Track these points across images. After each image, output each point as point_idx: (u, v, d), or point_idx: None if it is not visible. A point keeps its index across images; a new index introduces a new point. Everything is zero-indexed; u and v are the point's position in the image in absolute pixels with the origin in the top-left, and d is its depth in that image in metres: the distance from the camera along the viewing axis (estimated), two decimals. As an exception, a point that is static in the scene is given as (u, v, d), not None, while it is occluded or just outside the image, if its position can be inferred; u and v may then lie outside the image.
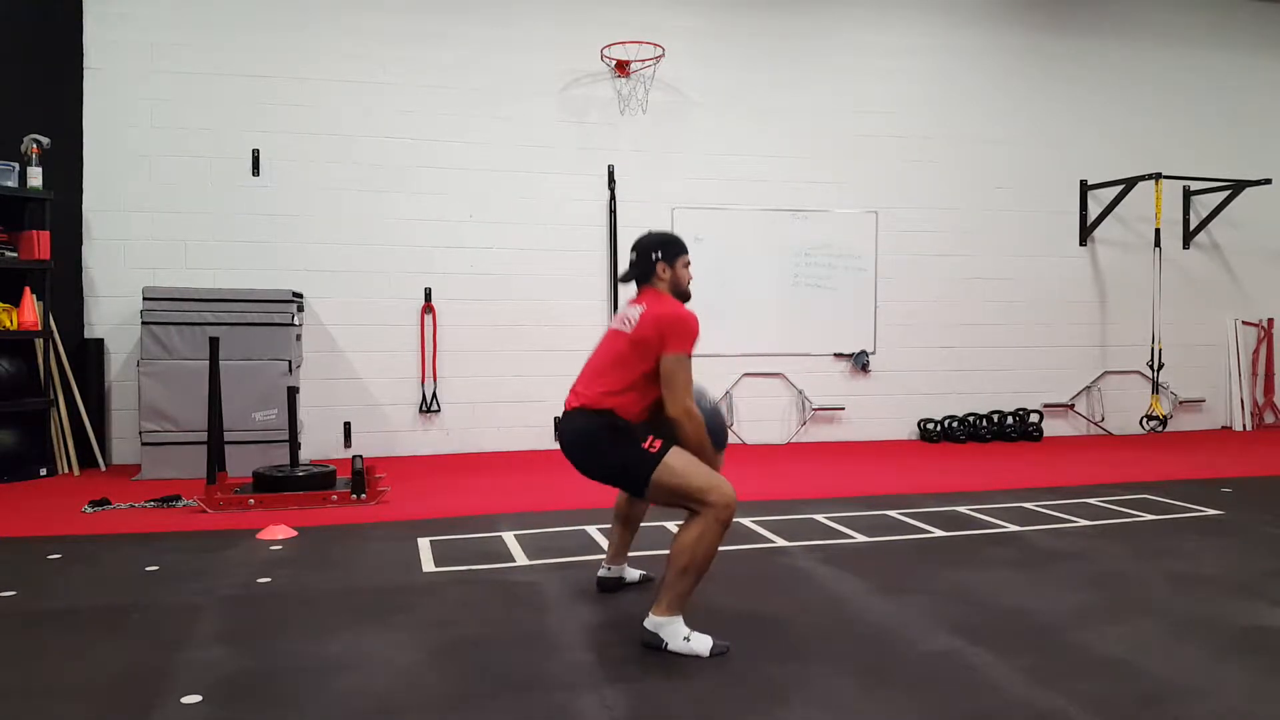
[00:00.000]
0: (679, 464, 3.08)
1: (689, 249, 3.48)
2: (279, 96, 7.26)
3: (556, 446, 8.23)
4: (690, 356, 3.17)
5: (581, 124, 7.87)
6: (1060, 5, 8.95)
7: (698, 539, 3.02)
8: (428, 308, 7.55)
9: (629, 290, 3.51)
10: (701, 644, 3.01)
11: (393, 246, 7.48)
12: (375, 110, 7.44)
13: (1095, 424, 9.05)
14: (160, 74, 7.05)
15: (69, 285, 6.84)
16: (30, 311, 6.39)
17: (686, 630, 3.03)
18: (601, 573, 3.75)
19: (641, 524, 3.81)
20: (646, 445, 3.10)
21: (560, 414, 3.35)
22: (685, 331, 3.16)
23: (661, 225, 7.99)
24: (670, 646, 3.01)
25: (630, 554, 3.84)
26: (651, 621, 3.05)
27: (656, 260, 3.36)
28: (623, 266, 3.52)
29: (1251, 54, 9.43)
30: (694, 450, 3.14)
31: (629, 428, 3.16)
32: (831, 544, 4.51)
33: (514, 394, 7.72)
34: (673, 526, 4.71)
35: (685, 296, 3.41)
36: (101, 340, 6.98)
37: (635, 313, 3.26)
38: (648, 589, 3.72)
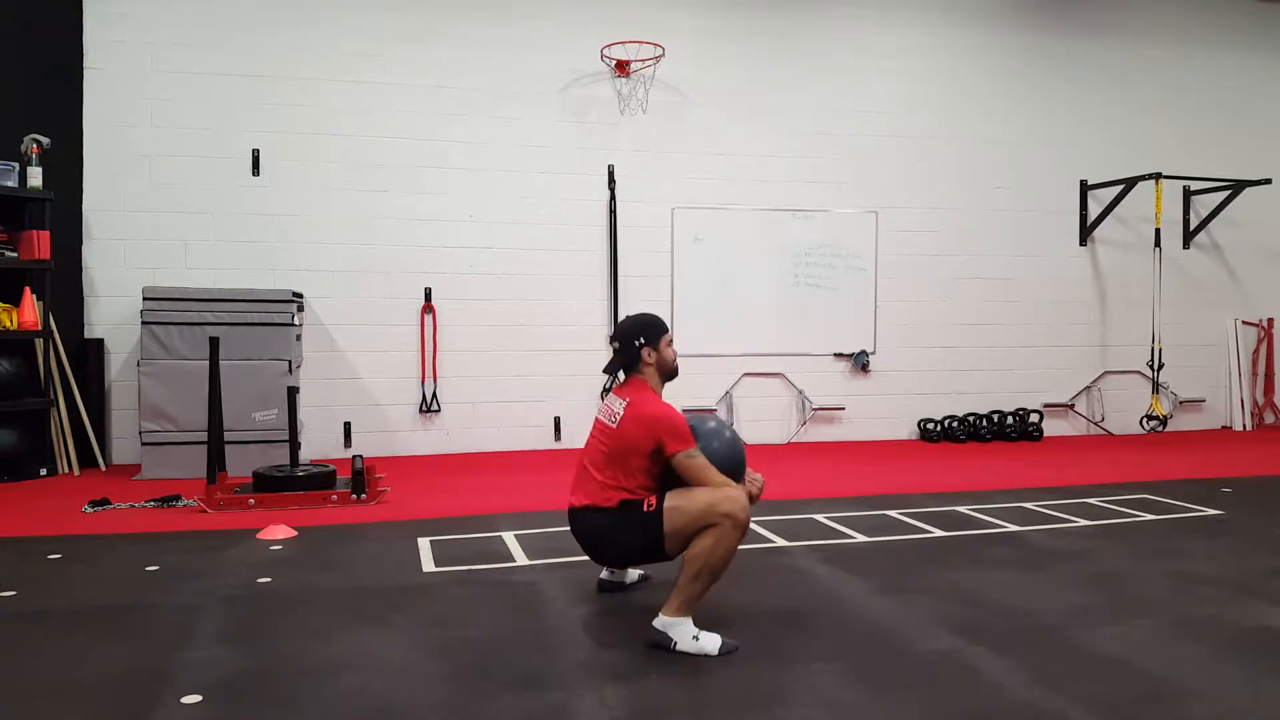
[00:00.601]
0: (678, 502, 3.10)
1: (669, 328, 3.47)
2: (279, 96, 7.26)
3: (557, 447, 8.24)
4: (696, 447, 3.16)
5: (581, 124, 7.87)
6: (1060, 5, 8.95)
7: (714, 544, 3.03)
8: (428, 308, 7.55)
9: (621, 343, 3.45)
10: (710, 643, 3.01)
11: (393, 246, 7.48)
12: (375, 110, 7.44)
13: (1095, 424, 9.04)
14: (160, 74, 7.05)
15: (69, 285, 6.83)
16: (30, 311, 6.39)
17: (695, 630, 3.03)
18: (603, 575, 3.75)
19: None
20: (646, 509, 3.13)
21: (569, 510, 3.35)
22: (677, 429, 3.15)
23: (661, 225, 8.00)
24: (679, 646, 3.01)
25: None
26: (661, 622, 3.06)
27: (641, 346, 3.33)
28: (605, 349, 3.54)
29: (1252, 54, 9.43)
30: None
31: (632, 505, 3.17)
32: (831, 544, 4.51)
33: (514, 394, 7.72)
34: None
35: (673, 374, 3.42)
36: (101, 340, 6.98)
37: (619, 406, 3.26)
38: (647, 589, 3.73)
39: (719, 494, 3.07)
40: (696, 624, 3.05)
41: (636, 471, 3.18)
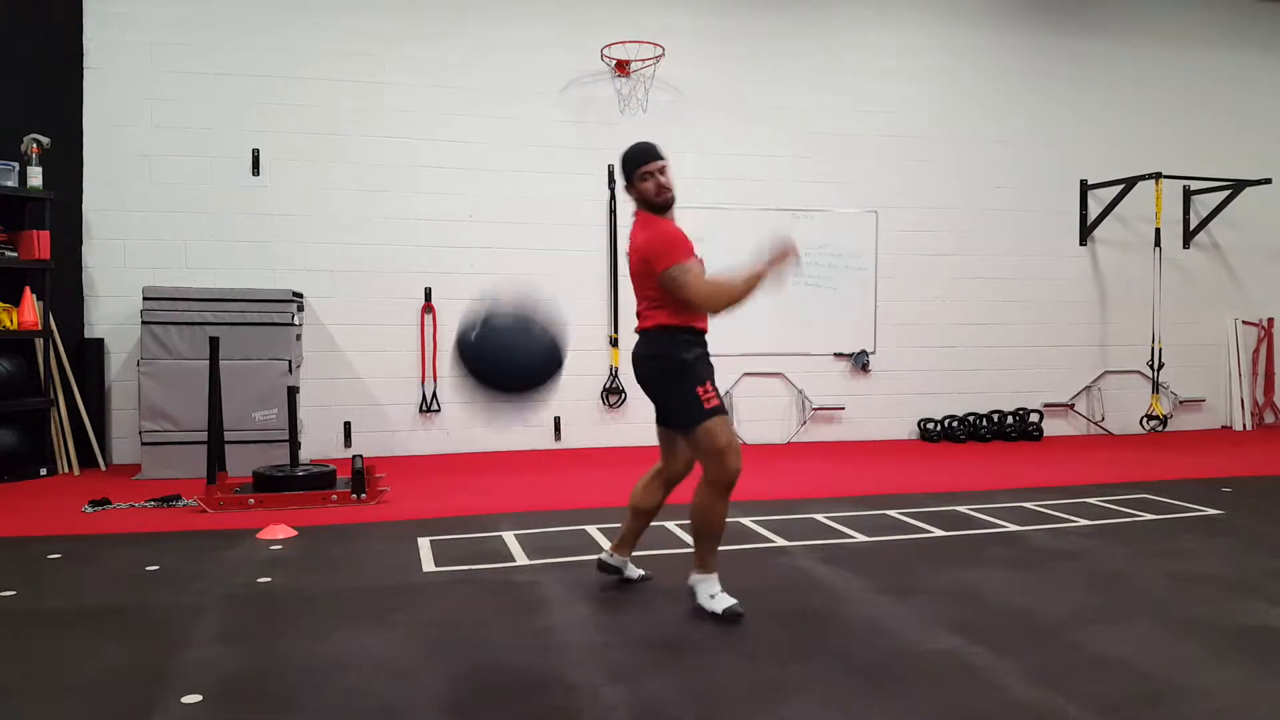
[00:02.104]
0: (719, 427, 3.29)
1: (660, 155, 3.46)
2: (279, 96, 7.26)
3: (557, 447, 8.26)
4: (687, 260, 3.23)
5: (581, 124, 7.87)
6: (1060, 5, 8.95)
7: (707, 505, 3.33)
8: (428, 308, 7.55)
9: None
10: (719, 604, 3.32)
11: (393, 246, 7.48)
12: (375, 110, 7.44)
13: (1095, 424, 9.04)
14: (160, 74, 7.05)
15: (69, 285, 6.83)
16: (30, 311, 6.39)
17: (715, 589, 3.37)
18: (604, 556, 3.77)
19: (652, 522, 3.82)
20: (703, 394, 3.27)
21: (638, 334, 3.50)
22: (667, 246, 3.24)
23: (661, 225, 7.98)
24: (699, 600, 3.38)
25: (635, 553, 3.84)
26: (692, 578, 3.44)
27: (626, 188, 3.51)
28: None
29: (1252, 54, 9.42)
30: (741, 294, 3.25)
31: (690, 364, 3.29)
32: (831, 544, 4.50)
33: (514, 394, 7.70)
34: (672, 526, 4.72)
35: (663, 206, 3.43)
36: (101, 340, 6.98)
37: (631, 243, 3.46)
38: (648, 589, 3.73)
39: (734, 450, 3.28)
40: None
41: (656, 296, 3.33)
